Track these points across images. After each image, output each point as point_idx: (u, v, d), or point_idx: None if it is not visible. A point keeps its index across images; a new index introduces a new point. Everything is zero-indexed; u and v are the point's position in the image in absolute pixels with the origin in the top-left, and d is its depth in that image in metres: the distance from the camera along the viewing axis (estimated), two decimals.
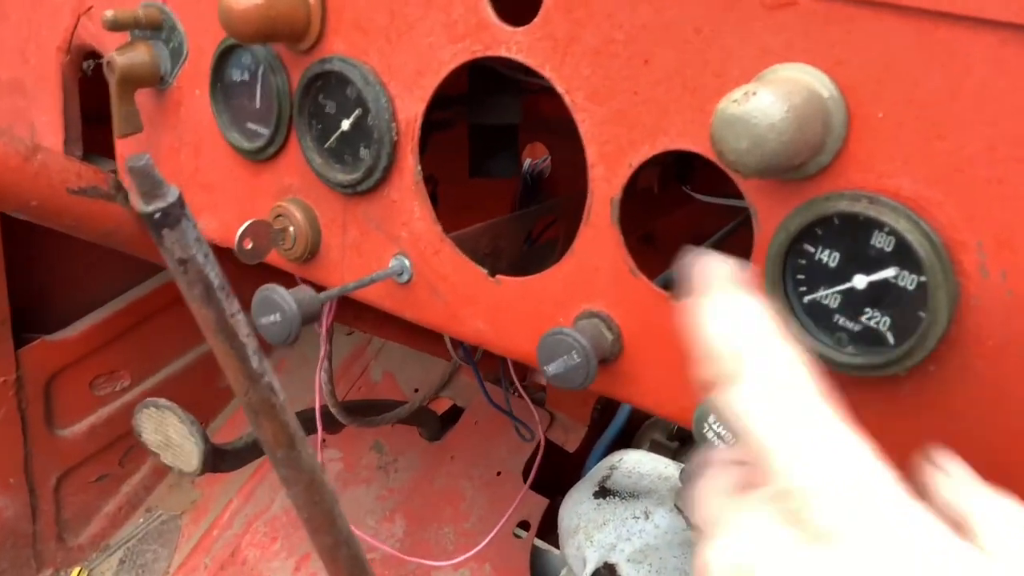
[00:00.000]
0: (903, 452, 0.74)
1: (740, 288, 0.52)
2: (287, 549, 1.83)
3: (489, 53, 0.86)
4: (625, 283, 0.85)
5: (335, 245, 1.03)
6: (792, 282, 0.75)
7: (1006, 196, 0.65)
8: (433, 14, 0.88)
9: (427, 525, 1.79)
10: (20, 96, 1.27)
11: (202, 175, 1.12)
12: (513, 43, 0.85)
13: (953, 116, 0.65)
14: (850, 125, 0.69)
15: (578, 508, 1.43)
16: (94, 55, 1.21)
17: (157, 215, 0.62)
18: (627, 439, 1.76)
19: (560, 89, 0.83)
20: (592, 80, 0.81)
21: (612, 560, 1.34)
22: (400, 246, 0.98)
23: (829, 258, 0.73)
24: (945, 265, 0.67)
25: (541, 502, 1.72)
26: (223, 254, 0.98)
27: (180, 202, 0.63)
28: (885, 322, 0.71)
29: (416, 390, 1.95)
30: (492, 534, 1.61)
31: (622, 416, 1.76)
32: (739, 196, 0.77)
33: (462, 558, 1.62)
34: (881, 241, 0.70)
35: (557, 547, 1.54)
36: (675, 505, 1.34)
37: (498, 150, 1.24)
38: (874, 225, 0.69)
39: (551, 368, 0.84)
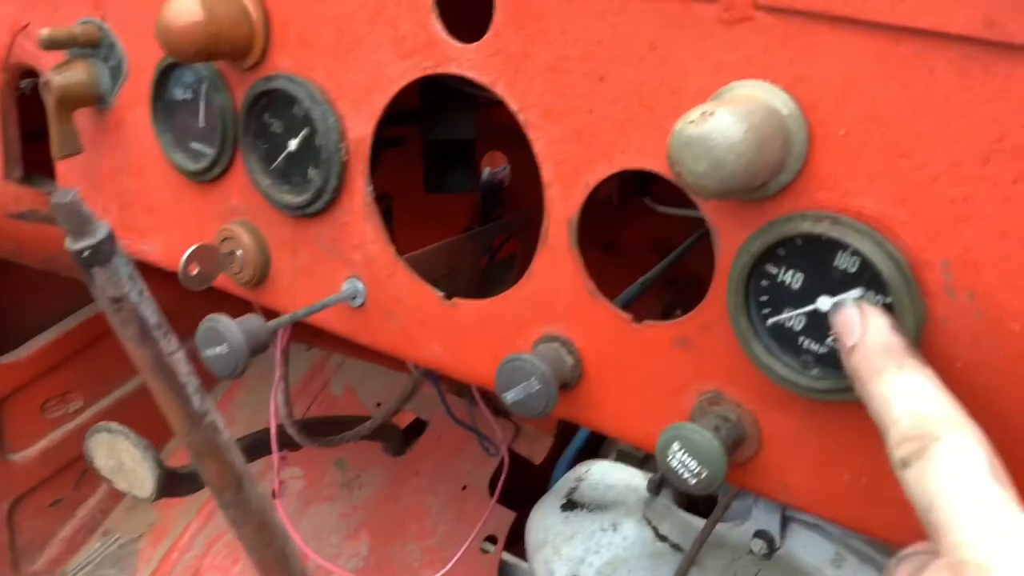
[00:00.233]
0: (873, 476, 0.72)
1: (913, 358, 0.60)
2: (249, 571, 1.79)
3: (439, 70, 0.83)
4: (585, 306, 0.82)
5: (286, 268, 1.00)
6: (755, 304, 0.73)
7: (971, 215, 0.63)
8: (381, 30, 0.85)
9: (392, 542, 1.76)
10: None
11: (146, 197, 1.08)
12: (464, 60, 0.82)
13: (916, 133, 0.64)
14: (811, 143, 0.67)
15: (545, 521, 1.41)
16: (32, 73, 1.16)
17: (86, 253, 0.59)
18: (594, 449, 1.74)
19: (513, 107, 0.80)
20: (546, 98, 0.78)
21: (581, 573, 1.32)
22: (353, 269, 0.95)
23: (793, 279, 0.71)
24: (911, 286, 0.65)
25: (508, 515, 1.70)
26: (174, 279, 0.95)
27: (111, 238, 0.60)
28: None
29: (378, 404, 1.91)
30: (461, 551, 1.59)
31: None
32: None
33: None
34: (845, 262, 0.68)
35: (525, 560, 1.52)
36: (644, 516, 1.33)
37: (454, 165, 1.21)
38: (838, 246, 0.67)
39: (510, 395, 0.81)
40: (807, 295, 0.70)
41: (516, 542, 1.67)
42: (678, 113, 0.64)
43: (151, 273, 1.09)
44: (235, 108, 0.96)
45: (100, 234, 0.59)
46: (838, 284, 0.68)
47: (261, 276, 1.01)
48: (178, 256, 0.95)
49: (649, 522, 1.33)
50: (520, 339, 0.86)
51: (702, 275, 0.75)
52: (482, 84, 0.82)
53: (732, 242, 0.72)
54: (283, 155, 0.94)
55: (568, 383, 0.84)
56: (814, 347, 0.71)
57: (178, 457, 1.95)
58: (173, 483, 1.20)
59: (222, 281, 1.02)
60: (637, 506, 1.34)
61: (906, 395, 0.58)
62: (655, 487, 1.33)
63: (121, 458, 1.21)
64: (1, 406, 1.67)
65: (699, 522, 1.28)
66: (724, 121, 0.62)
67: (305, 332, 1.79)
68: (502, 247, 1.38)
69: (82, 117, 1.10)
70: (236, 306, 1.06)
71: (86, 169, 1.12)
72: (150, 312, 0.63)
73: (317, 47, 0.89)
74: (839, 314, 0.64)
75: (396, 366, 1.91)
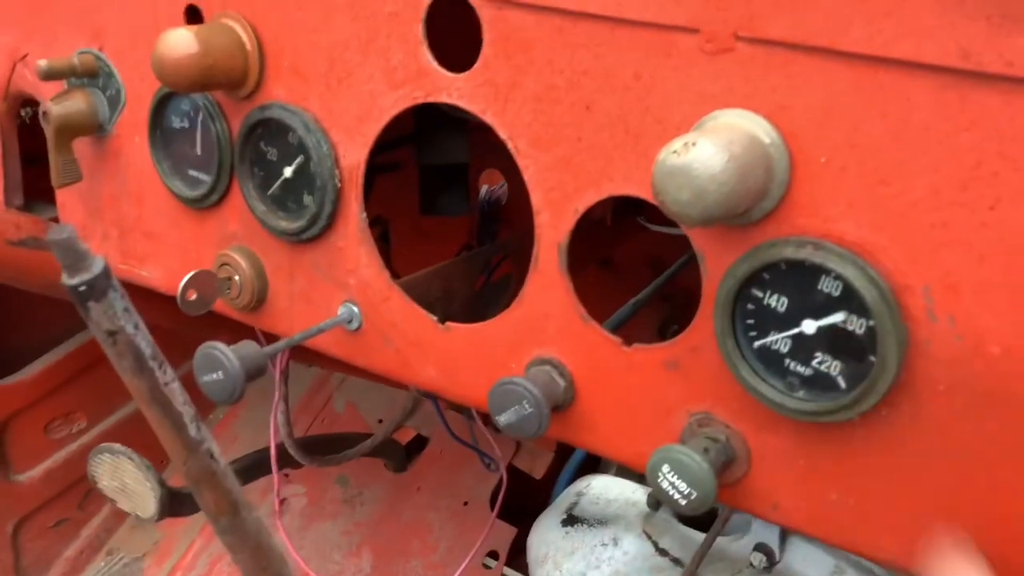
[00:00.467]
0: (860, 496, 0.73)
1: None
2: None
3: (430, 99, 0.85)
4: (576, 329, 0.83)
5: (283, 293, 1.01)
6: (742, 327, 0.74)
7: (951, 241, 0.64)
8: (372, 60, 0.87)
9: (395, 559, 1.77)
10: None
11: (145, 223, 1.10)
12: (454, 89, 0.83)
13: (896, 161, 0.65)
14: (793, 171, 0.68)
15: (546, 536, 1.42)
16: (32, 102, 1.18)
17: (82, 288, 0.60)
18: (594, 463, 1.75)
19: (503, 135, 0.82)
20: (534, 126, 0.80)
21: None
22: (348, 293, 0.96)
23: (778, 303, 0.72)
24: (893, 310, 0.66)
25: (510, 531, 1.70)
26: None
27: (106, 273, 0.61)
28: (836, 367, 0.71)
29: (380, 421, 1.92)
30: (462, 567, 1.59)
31: None
32: None
33: None
34: (828, 286, 0.69)
35: (527, 575, 1.53)
36: (644, 531, 1.33)
37: (448, 188, 1.22)
38: (820, 271, 0.68)
39: (503, 418, 0.82)
40: (792, 318, 0.71)
41: (518, 557, 1.68)
42: (663, 141, 0.65)
43: (155, 297, 1.11)
44: (231, 136, 0.98)
45: (95, 269, 0.60)
46: (822, 308, 0.70)
47: (259, 301, 1.02)
48: (177, 281, 0.96)
49: (649, 536, 1.33)
50: (513, 362, 0.87)
51: (698, 291, 0.76)
52: (472, 113, 0.83)
53: (718, 266, 0.74)
54: (279, 182, 0.96)
55: (561, 405, 0.85)
56: (800, 369, 0.72)
57: (181, 477, 1.96)
58: (176, 503, 1.21)
59: (220, 306, 1.03)
60: (637, 520, 1.35)
61: None
62: (655, 501, 1.34)
63: (124, 479, 1.22)
64: (5, 427, 1.68)
65: (699, 536, 1.28)
66: (706, 151, 0.63)
67: (306, 352, 1.80)
68: (499, 266, 1.39)
69: (81, 145, 1.11)
70: (241, 327, 1.08)
71: (86, 197, 1.14)
72: (145, 344, 0.64)
73: (310, 77, 0.91)
74: None
75: (397, 383, 1.91)
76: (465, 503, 1.79)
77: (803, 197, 0.68)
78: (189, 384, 0.84)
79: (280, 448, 1.33)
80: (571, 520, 1.41)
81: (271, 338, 1.00)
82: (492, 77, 0.81)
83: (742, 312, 0.74)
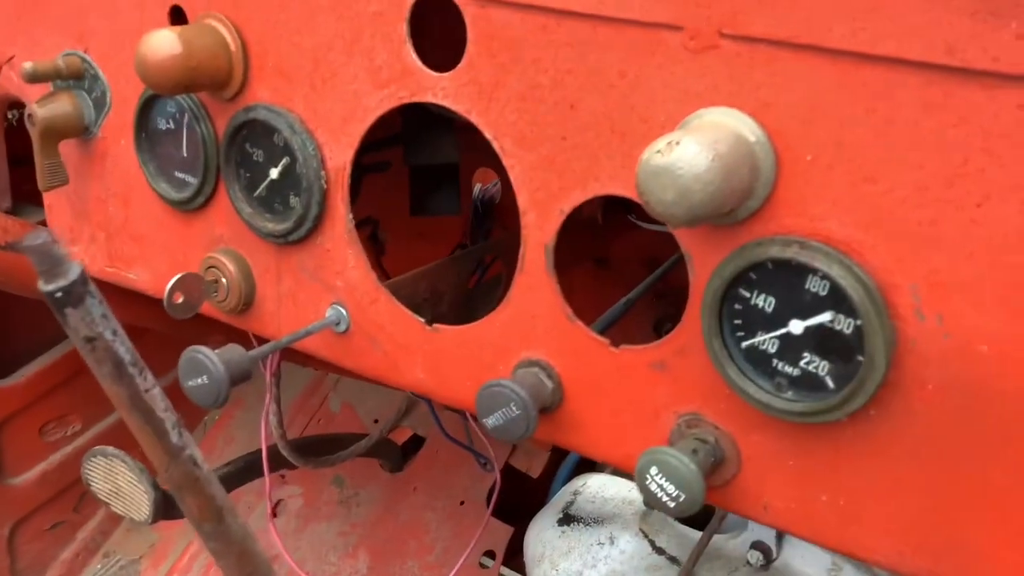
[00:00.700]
0: (850, 497, 0.73)
1: None
2: None
3: (415, 99, 0.84)
4: (563, 330, 0.82)
5: (270, 295, 1.00)
6: (729, 327, 0.73)
7: (938, 238, 0.63)
8: (356, 60, 0.86)
9: (391, 560, 1.77)
10: None
11: (132, 226, 1.09)
12: (439, 89, 0.82)
13: (881, 158, 0.64)
14: (779, 169, 0.68)
15: (543, 536, 1.41)
16: (19, 104, 1.17)
17: (59, 294, 0.60)
18: (591, 462, 1.74)
19: (488, 135, 0.81)
20: (519, 125, 0.79)
21: None
22: (336, 295, 0.95)
23: (765, 303, 0.71)
24: (880, 309, 0.65)
25: (506, 530, 1.70)
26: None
27: (83, 279, 0.61)
28: (824, 367, 0.70)
29: (376, 421, 1.92)
30: (457, 566, 1.59)
31: None
32: None
33: None
34: (815, 286, 0.68)
35: (524, 574, 1.52)
36: (640, 529, 1.33)
37: (438, 188, 1.21)
38: (807, 270, 0.68)
39: (490, 421, 0.82)
40: (780, 318, 0.71)
41: (515, 556, 1.67)
42: (648, 140, 0.65)
43: (147, 300, 1.10)
44: (217, 138, 0.97)
45: (72, 275, 0.60)
46: (809, 307, 0.69)
47: (246, 303, 1.01)
48: (165, 284, 0.96)
49: (646, 535, 1.33)
50: (501, 364, 0.87)
51: None
52: (457, 112, 0.82)
53: (705, 266, 0.73)
54: (265, 183, 0.95)
55: (549, 407, 0.84)
56: (788, 370, 0.72)
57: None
58: (170, 506, 1.20)
59: (207, 308, 1.03)
60: (634, 519, 1.35)
61: None
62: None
63: (118, 482, 1.22)
64: (0, 430, 1.67)
65: (696, 534, 1.28)
66: (690, 151, 0.62)
67: (298, 354, 1.80)
68: (492, 264, 1.39)
69: (68, 147, 1.10)
70: (235, 329, 1.07)
71: (72, 199, 1.13)
72: (124, 350, 0.63)
73: (295, 78, 0.90)
74: None
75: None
76: (462, 503, 1.78)
77: (789, 196, 0.68)
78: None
79: (275, 450, 1.32)
80: (567, 519, 1.41)
81: (264, 340, 0.99)
82: (476, 76, 0.80)
83: (729, 312, 0.73)
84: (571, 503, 1.42)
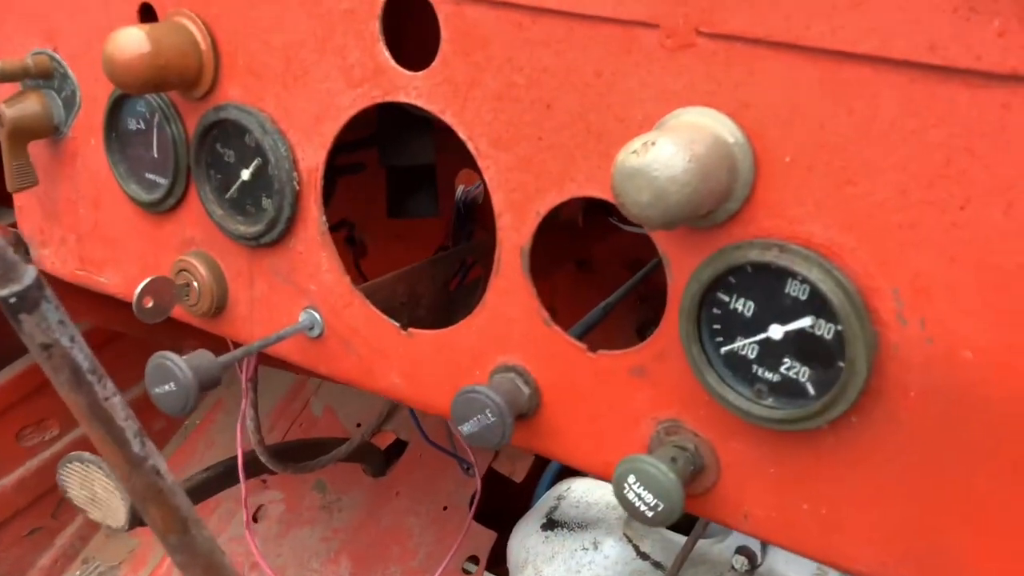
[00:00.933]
0: (831, 505, 0.71)
1: None
2: None
3: (388, 98, 0.82)
4: (539, 335, 0.81)
5: (243, 299, 0.98)
6: (708, 332, 0.72)
7: (920, 241, 0.62)
8: (329, 59, 0.84)
9: (373, 566, 1.74)
10: None
11: (103, 228, 1.07)
12: (412, 88, 0.81)
13: (863, 159, 0.62)
14: (758, 171, 0.66)
15: (526, 541, 1.40)
16: None
17: (12, 299, 0.58)
18: None
19: (462, 135, 0.79)
20: (495, 126, 0.77)
21: None
22: (310, 299, 0.93)
23: (744, 307, 0.69)
24: (861, 314, 0.64)
25: (490, 535, 1.68)
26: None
27: (38, 284, 0.58)
28: (805, 373, 0.68)
29: (358, 425, 1.89)
30: (439, 572, 1.57)
31: None
32: None
33: None
34: (795, 290, 0.67)
35: None
36: (624, 534, 1.31)
37: (416, 190, 1.19)
38: (787, 274, 0.66)
39: (466, 428, 0.80)
40: (759, 323, 0.69)
41: (499, 562, 1.66)
42: (625, 140, 0.63)
43: (120, 303, 1.08)
44: (188, 138, 0.95)
45: (26, 280, 0.57)
46: (789, 312, 0.67)
47: (219, 307, 0.99)
48: (136, 288, 0.93)
49: (630, 540, 1.31)
50: (477, 369, 0.85)
51: None
52: (431, 112, 0.80)
53: (683, 270, 0.71)
54: (236, 185, 0.93)
55: (526, 413, 0.83)
56: (768, 376, 0.70)
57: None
58: None
59: (179, 313, 1.01)
60: (618, 524, 1.33)
61: None
62: None
63: (94, 488, 1.20)
64: None
65: (680, 539, 1.26)
66: (666, 151, 0.61)
67: (276, 358, 1.78)
68: (473, 267, 1.37)
69: (37, 148, 1.08)
70: (211, 333, 1.05)
71: (43, 200, 1.11)
72: (83, 357, 0.61)
73: (266, 76, 0.88)
74: None
75: None
76: (445, 508, 1.76)
77: (768, 198, 0.66)
78: None
79: (253, 455, 1.30)
80: (551, 524, 1.39)
81: (240, 345, 0.97)
82: (451, 75, 0.78)
83: (708, 317, 0.71)
84: (555, 508, 1.41)
